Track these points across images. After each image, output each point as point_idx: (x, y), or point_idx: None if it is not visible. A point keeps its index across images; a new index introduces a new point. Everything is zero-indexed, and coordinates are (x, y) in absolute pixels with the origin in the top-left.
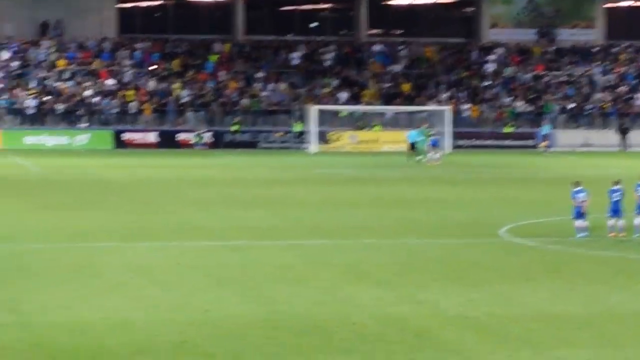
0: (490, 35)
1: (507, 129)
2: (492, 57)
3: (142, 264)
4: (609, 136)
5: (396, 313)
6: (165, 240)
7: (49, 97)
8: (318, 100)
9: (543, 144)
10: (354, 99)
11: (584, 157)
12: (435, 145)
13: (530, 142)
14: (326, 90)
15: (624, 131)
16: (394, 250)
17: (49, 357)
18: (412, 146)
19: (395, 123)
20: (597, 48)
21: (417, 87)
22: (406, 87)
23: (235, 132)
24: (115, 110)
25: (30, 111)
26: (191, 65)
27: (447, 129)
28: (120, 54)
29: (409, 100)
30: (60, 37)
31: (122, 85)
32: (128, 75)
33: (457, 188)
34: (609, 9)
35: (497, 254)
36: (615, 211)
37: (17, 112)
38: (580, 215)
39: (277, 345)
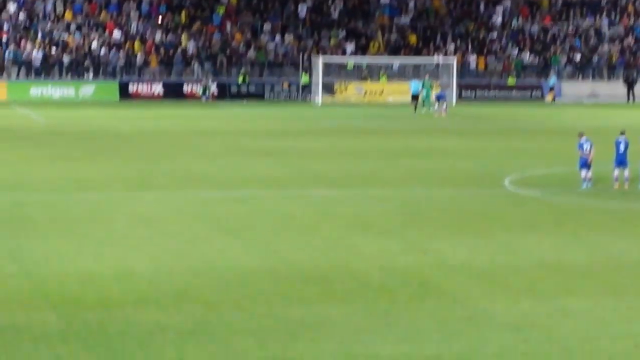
0: None
1: (511, 81)
2: (499, 8)
3: (147, 214)
4: (615, 87)
5: (400, 263)
6: (171, 191)
7: (55, 49)
8: (325, 52)
9: (550, 95)
10: (361, 51)
11: (591, 108)
12: (441, 97)
13: (537, 94)
14: (333, 42)
15: (630, 83)
16: (400, 201)
17: (53, 307)
18: (415, 97)
19: (401, 75)
20: (605, 0)
21: (424, 39)
22: (413, 38)
23: (242, 83)
24: (121, 62)
25: (37, 63)
26: (198, 17)
27: (453, 80)
28: (127, 5)
29: (416, 52)
30: None
31: (129, 37)
32: (135, 27)
33: (462, 139)
34: None
35: (501, 204)
36: (621, 162)
37: (23, 64)
38: (585, 165)
39: (280, 294)
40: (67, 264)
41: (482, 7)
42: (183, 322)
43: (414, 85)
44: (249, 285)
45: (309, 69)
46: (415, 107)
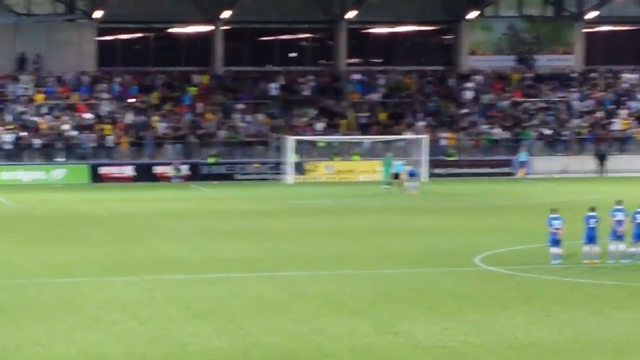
0: (469, 62)
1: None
2: (470, 84)
3: (120, 298)
4: (586, 162)
5: (372, 344)
6: (143, 274)
7: (27, 132)
8: (295, 130)
9: (521, 171)
10: (332, 129)
11: (561, 183)
12: (413, 175)
13: (507, 169)
14: (304, 120)
15: (601, 157)
16: (371, 280)
17: None
18: (396, 175)
19: (372, 153)
20: (575, 74)
21: (394, 116)
22: (383, 115)
23: (212, 164)
24: (92, 144)
25: (7, 146)
26: (169, 97)
27: (424, 157)
28: (99, 87)
29: (386, 129)
30: (38, 71)
31: (100, 119)
32: (106, 109)
33: (433, 217)
34: (587, 34)
35: (472, 283)
36: (591, 238)
37: None
38: (555, 242)
39: None
40: (39, 350)
41: (452, 82)
42: None
43: (397, 165)
44: None
45: (279, 148)
46: (397, 184)
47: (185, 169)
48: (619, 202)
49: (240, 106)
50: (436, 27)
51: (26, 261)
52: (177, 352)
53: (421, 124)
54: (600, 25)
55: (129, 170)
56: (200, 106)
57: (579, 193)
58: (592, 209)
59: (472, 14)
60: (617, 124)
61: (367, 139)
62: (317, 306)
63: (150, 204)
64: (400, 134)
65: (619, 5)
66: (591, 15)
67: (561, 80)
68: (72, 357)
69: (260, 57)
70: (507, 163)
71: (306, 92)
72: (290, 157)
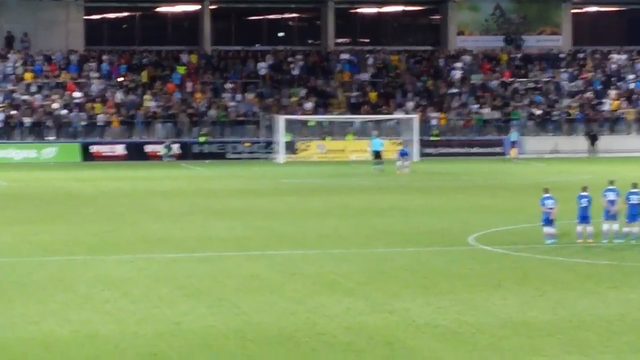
0: (457, 42)
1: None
2: (459, 64)
3: (111, 277)
4: (577, 142)
5: (366, 322)
6: (134, 253)
7: (16, 110)
8: (285, 110)
9: (513, 150)
10: (322, 108)
11: (552, 163)
12: (404, 154)
13: (498, 149)
14: (293, 99)
15: (592, 137)
16: (364, 259)
17: None
18: (377, 154)
19: (362, 133)
20: (564, 54)
21: (384, 96)
22: (373, 95)
23: (203, 143)
24: (83, 123)
25: None
26: (159, 76)
27: (415, 137)
28: (88, 66)
29: (376, 108)
30: (26, 50)
31: (90, 98)
32: (95, 88)
33: (425, 196)
34: (574, 14)
35: (466, 262)
36: (584, 217)
37: None
38: (548, 221)
39: (247, 357)
40: (32, 329)
41: (441, 62)
42: None
43: (375, 142)
44: (216, 347)
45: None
46: (377, 164)
47: (176, 148)
48: (611, 182)
49: (230, 85)
50: (423, 7)
51: (17, 240)
52: (171, 330)
53: (410, 104)
54: (588, 6)
55: (120, 149)
56: (189, 85)
57: (571, 173)
58: (584, 189)
59: None
60: (607, 105)
61: (358, 118)
62: (311, 285)
63: (141, 183)
64: (390, 113)
65: None
66: None
67: (550, 60)
68: (65, 335)
69: (248, 36)
70: (497, 143)
71: (295, 72)
72: (282, 137)
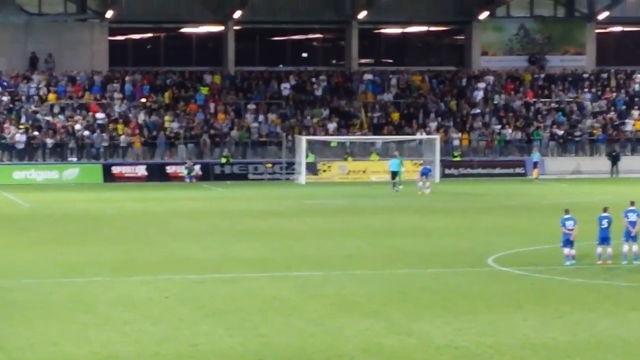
0: (481, 62)
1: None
2: (482, 84)
3: (132, 298)
4: (599, 163)
5: (385, 344)
6: (155, 274)
7: (38, 132)
8: (308, 130)
9: (535, 171)
10: (344, 129)
11: (574, 184)
12: (425, 174)
13: (520, 170)
14: (316, 120)
15: (614, 158)
16: (384, 281)
17: None
18: (394, 175)
19: (384, 153)
20: (587, 74)
21: (406, 116)
22: (395, 116)
23: (225, 164)
24: (105, 144)
25: (20, 146)
26: (182, 97)
27: (437, 157)
28: (111, 87)
29: (398, 129)
30: (51, 71)
31: (112, 119)
32: (118, 109)
33: (446, 217)
34: (598, 34)
35: (485, 283)
36: (604, 238)
37: (6, 147)
38: (568, 242)
39: None
40: (52, 349)
41: (464, 82)
42: None
43: (395, 163)
44: None
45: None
46: (394, 185)
47: (197, 169)
48: (632, 203)
49: (252, 106)
50: (447, 28)
51: (39, 260)
52: (190, 351)
53: (433, 124)
54: (611, 26)
55: (141, 170)
56: (212, 106)
57: (592, 194)
58: (605, 210)
59: (483, 15)
60: (630, 125)
61: (380, 139)
62: (330, 306)
63: (162, 204)
64: (413, 134)
65: (631, 6)
66: (603, 15)
67: (573, 80)
68: (85, 356)
69: (271, 57)
70: (519, 163)
71: (318, 92)
72: (304, 157)
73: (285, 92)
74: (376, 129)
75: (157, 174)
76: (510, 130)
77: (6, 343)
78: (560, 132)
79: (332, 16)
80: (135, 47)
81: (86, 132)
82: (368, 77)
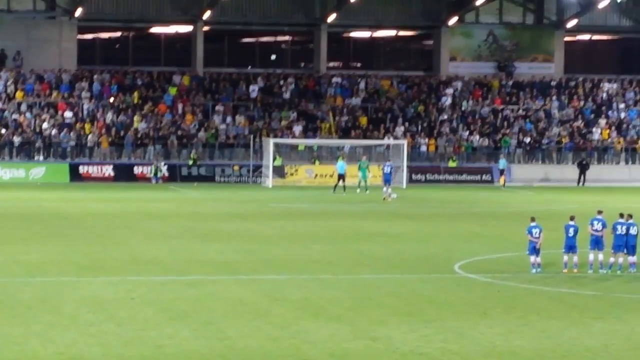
0: (449, 68)
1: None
2: (450, 90)
3: (98, 299)
4: (566, 171)
5: (351, 349)
6: (121, 275)
7: (5, 129)
8: (275, 133)
9: (501, 178)
10: (312, 132)
11: (541, 192)
12: (388, 181)
13: (487, 177)
14: (284, 123)
15: (583, 167)
16: (350, 285)
17: None
18: (341, 177)
19: (351, 157)
20: (555, 82)
21: (374, 121)
22: (363, 120)
23: (192, 165)
24: (72, 143)
25: None
26: (150, 97)
27: (404, 163)
28: (79, 85)
29: (366, 133)
30: (19, 69)
31: (80, 118)
32: (86, 108)
33: (413, 223)
34: (567, 42)
35: (452, 290)
36: (570, 247)
37: None
38: (534, 250)
39: None
40: (15, 349)
41: (432, 88)
42: None
43: (340, 165)
44: None
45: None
46: (335, 188)
47: (165, 170)
48: (600, 212)
49: (220, 108)
50: (416, 33)
51: (3, 260)
52: (155, 353)
53: (400, 129)
54: (580, 34)
55: (108, 170)
56: (180, 107)
57: (559, 202)
58: (572, 218)
59: (452, 20)
60: (597, 134)
61: (347, 143)
62: (296, 310)
63: (129, 204)
64: (380, 138)
65: (600, 15)
66: (571, 23)
67: (541, 88)
68: (49, 357)
69: (240, 58)
70: (486, 170)
71: (286, 95)
72: (271, 160)
73: (254, 94)
74: (344, 133)
75: (124, 174)
76: (477, 137)
77: None
78: (528, 140)
79: (301, 19)
80: (104, 46)
81: (53, 131)
82: (336, 81)
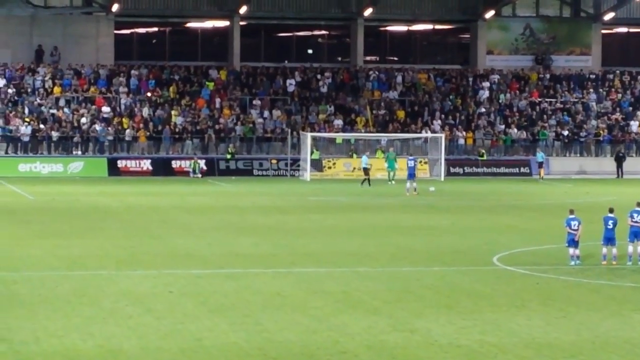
0: (486, 61)
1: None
2: (487, 83)
3: (136, 292)
4: (603, 163)
5: (389, 341)
6: (159, 268)
7: (44, 124)
8: (313, 127)
9: (540, 171)
10: (349, 126)
11: (579, 184)
12: (411, 175)
13: (525, 170)
14: (321, 117)
15: (620, 159)
16: (388, 278)
17: None
18: (365, 171)
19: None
20: (593, 75)
21: (412, 114)
22: (400, 113)
23: (230, 159)
24: (110, 138)
25: (25, 138)
26: (187, 92)
27: (442, 156)
28: (117, 80)
29: (404, 127)
30: (56, 64)
31: (118, 113)
32: (124, 102)
33: (451, 216)
34: (604, 35)
35: (490, 282)
36: (609, 239)
37: (11, 140)
38: (573, 243)
39: None
40: (55, 342)
41: (469, 81)
42: None
43: (364, 159)
44: None
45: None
46: (363, 182)
47: (202, 164)
48: (639, 204)
49: (257, 102)
50: (453, 26)
51: (43, 253)
52: (194, 346)
53: (438, 122)
54: (617, 27)
55: (146, 164)
56: (217, 101)
57: (597, 194)
58: (611, 210)
59: (489, 14)
60: (635, 126)
61: (385, 136)
62: (334, 303)
63: (167, 198)
64: (418, 132)
65: (636, 7)
66: (608, 16)
67: (578, 81)
68: (88, 350)
69: (277, 53)
70: (524, 163)
71: (323, 89)
72: (309, 154)
73: (291, 89)
74: (381, 127)
75: (162, 168)
76: (515, 130)
77: (10, 335)
78: (565, 133)
79: (337, 13)
80: (141, 41)
81: (92, 126)
82: (373, 75)
